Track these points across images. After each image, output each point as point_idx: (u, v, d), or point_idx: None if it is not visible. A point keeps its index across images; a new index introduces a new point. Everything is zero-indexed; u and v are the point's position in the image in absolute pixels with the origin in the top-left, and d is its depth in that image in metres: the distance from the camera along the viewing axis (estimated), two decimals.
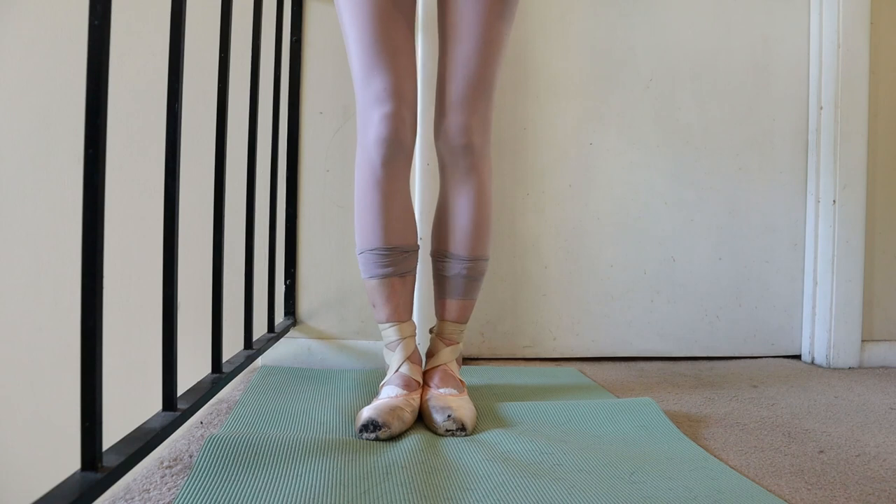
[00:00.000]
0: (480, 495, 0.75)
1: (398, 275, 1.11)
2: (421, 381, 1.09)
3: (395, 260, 1.11)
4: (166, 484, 0.76)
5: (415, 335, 1.14)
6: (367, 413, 0.96)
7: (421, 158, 1.49)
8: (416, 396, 1.06)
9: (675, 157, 1.65)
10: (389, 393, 1.05)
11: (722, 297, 1.68)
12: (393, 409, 0.97)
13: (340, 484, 0.76)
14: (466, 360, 1.56)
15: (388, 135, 1.05)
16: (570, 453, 0.90)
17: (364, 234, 1.12)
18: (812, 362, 1.67)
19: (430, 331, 1.20)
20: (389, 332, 1.12)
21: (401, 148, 1.08)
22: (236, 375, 1.05)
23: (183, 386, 0.87)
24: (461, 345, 1.17)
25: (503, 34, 1.11)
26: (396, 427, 0.95)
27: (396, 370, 1.08)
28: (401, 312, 1.12)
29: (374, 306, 1.13)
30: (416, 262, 1.14)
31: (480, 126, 1.12)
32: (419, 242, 1.14)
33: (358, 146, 1.11)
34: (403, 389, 1.05)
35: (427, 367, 1.13)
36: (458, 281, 1.14)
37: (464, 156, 1.11)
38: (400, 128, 1.06)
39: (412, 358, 1.10)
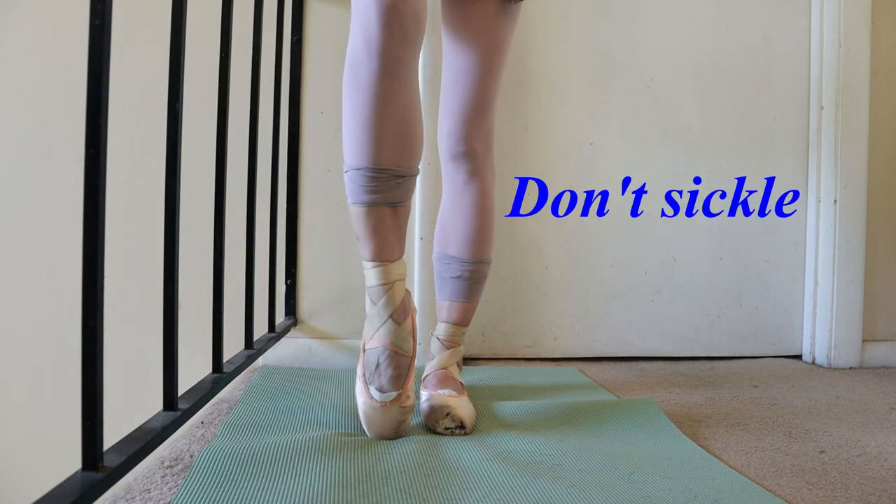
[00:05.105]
0: (480, 495, 0.75)
1: (388, 203, 0.91)
2: (414, 343, 0.93)
3: (384, 185, 0.90)
4: (167, 484, 0.76)
5: (404, 277, 0.94)
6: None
7: (423, 158, 1.49)
8: (409, 394, 0.93)
9: (675, 157, 1.65)
10: (376, 397, 0.90)
11: (723, 296, 1.68)
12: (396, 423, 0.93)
13: (340, 485, 0.76)
14: (467, 360, 1.56)
15: (395, 2, 0.85)
16: (570, 453, 0.90)
17: (350, 147, 0.90)
18: (813, 362, 1.66)
19: (432, 332, 1.20)
20: (372, 275, 0.92)
21: (408, 23, 0.86)
22: (237, 375, 1.06)
23: (184, 386, 0.87)
24: (462, 347, 1.17)
25: (507, 41, 1.11)
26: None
27: (376, 330, 0.91)
28: (389, 250, 0.92)
29: (357, 239, 0.94)
30: (413, 189, 0.95)
31: (483, 133, 1.11)
32: (418, 168, 0.94)
33: (350, 37, 0.91)
34: (391, 388, 0.90)
35: (427, 372, 1.13)
36: (459, 284, 1.14)
37: (465, 162, 1.11)
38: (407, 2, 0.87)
39: (397, 315, 0.91)
